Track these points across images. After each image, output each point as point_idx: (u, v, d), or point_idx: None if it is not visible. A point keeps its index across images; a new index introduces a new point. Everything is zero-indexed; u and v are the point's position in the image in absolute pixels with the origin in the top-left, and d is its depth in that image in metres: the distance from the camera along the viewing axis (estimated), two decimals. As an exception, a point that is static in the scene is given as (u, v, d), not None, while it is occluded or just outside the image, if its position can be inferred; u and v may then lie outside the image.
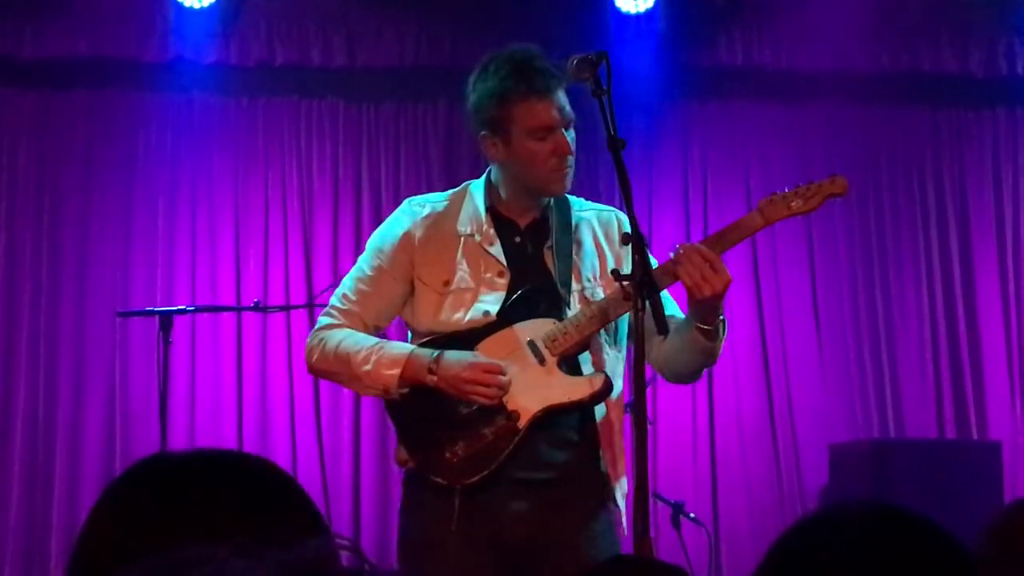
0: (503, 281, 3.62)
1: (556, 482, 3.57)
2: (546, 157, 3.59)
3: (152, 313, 6.26)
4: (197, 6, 7.29)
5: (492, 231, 3.66)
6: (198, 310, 6.87)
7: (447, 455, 3.52)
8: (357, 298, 3.68)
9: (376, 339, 3.64)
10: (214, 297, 7.45)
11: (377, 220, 7.57)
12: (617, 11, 7.50)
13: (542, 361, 3.55)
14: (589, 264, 3.66)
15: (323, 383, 7.46)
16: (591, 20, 7.35)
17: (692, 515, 6.49)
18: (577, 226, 3.71)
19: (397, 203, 8.07)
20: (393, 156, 7.72)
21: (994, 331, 7.91)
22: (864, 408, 7.80)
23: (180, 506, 1.47)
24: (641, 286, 3.28)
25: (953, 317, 7.93)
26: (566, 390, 3.55)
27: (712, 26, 7.67)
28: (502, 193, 3.72)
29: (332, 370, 3.66)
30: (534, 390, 3.53)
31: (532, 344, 3.55)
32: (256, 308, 6.66)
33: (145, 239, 7.52)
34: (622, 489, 3.65)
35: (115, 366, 7.36)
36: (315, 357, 3.65)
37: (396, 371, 3.53)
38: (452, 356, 3.52)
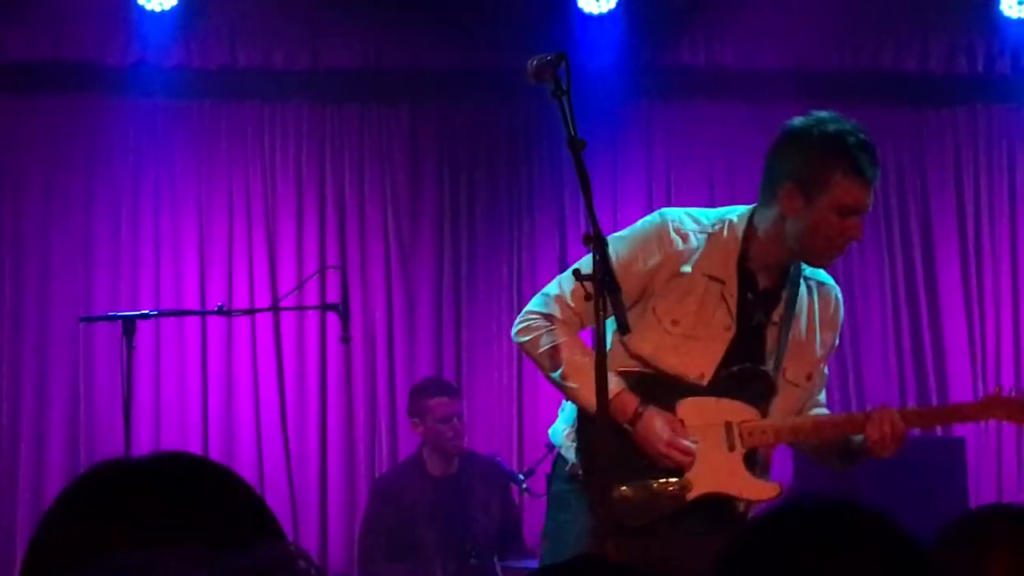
0: (728, 335, 3.66)
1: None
2: (839, 233, 3.65)
3: (115, 318, 6.22)
4: (158, 9, 7.24)
5: (735, 282, 3.68)
6: (162, 314, 6.83)
7: (615, 492, 3.51)
8: (585, 306, 3.56)
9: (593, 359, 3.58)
10: (178, 301, 7.42)
11: (341, 221, 7.60)
12: (580, 12, 7.49)
13: (731, 447, 3.62)
14: (805, 350, 3.73)
15: (288, 390, 7.45)
16: (554, 20, 7.34)
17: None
18: (801, 299, 3.75)
19: (361, 205, 8.13)
20: (357, 158, 7.69)
21: (957, 328, 7.94)
22: (828, 404, 7.80)
23: (133, 511, 1.45)
24: (602, 285, 3.25)
25: (916, 314, 7.97)
26: (743, 486, 3.65)
27: (674, 26, 7.68)
28: (760, 241, 3.72)
29: (539, 361, 3.71)
30: (714, 471, 3.60)
31: (729, 427, 3.61)
32: (220, 312, 6.64)
33: (108, 243, 7.49)
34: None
35: (79, 371, 7.32)
36: (533, 342, 3.70)
37: (598, 399, 3.45)
38: (656, 413, 3.58)
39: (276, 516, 1.49)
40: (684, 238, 3.70)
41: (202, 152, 7.63)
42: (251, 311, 7.30)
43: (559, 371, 3.65)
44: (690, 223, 3.75)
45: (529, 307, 3.80)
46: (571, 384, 3.65)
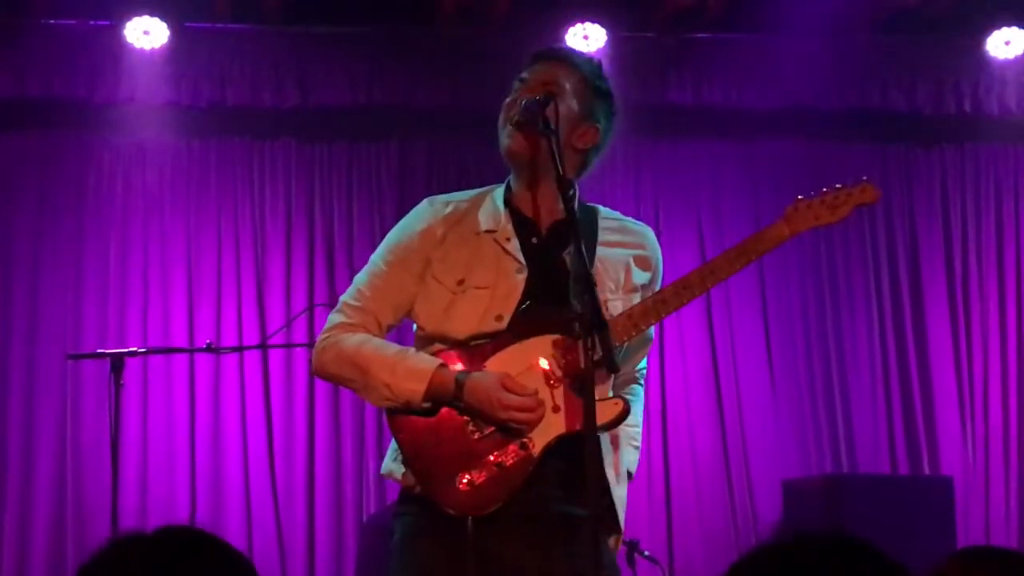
0: (521, 277, 3.43)
1: (569, 518, 3.35)
2: (503, 110, 3.51)
3: (103, 355, 6.19)
4: (148, 47, 7.27)
5: (511, 227, 3.49)
6: (150, 352, 6.80)
7: (458, 484, 3.33)
8: (371, 294, 3.49)
9: (397, 347, 3.45)
10: (166, 339, 7.41)
11: (329, 258, 7.61)
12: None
13: (554, 383, 3.35)
14: (612, 274, 3.50)
15: (276, 428, 7.43)
16: (542, 60, 7.37)
17: (646, 553, 6.47)
18: (602, 232, 3.55)
19: (350, 242, 8.15)
20: (346, 195, 7.71)
21: (944, 367, 7.96)
22: (817, 444, 7.83)
23: None
24: (592, 326, 3.13)
25: (904, 353, 7.98)
26: (582, 416, 3.26)
27: (663, 66, 7.72)
28: (514, 186, 3.56)
29: (345, 376, 3.46)
30: (548, 415, 3.33)
31: (544, 365, 3.36)
32: (209, 349, 6.61)
33: (96, 280, 7.49)
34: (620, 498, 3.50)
35: (66, 409, 7.31)
36: (326, 359, 3.47)
37: (421, 386, 3.34)
38: (478, 378, 3.33)
39: None
40: (446, 205, 3.57)
41: (191, 190, 7.63)
42: (239, 348, 7.29)
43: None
44: (453, 195, 3.64)
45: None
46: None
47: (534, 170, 3.49)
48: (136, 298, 7.51)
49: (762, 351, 7.88)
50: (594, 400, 3.15)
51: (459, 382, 3.33)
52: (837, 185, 3.49)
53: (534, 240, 3.49)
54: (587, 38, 7.49)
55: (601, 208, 3.64)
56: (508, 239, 3.47)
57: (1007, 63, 7.83)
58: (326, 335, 3.49)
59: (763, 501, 7.60)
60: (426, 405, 3.36)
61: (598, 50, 7.53)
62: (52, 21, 7.30)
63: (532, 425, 3.32)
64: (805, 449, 7.79)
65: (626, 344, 3.44)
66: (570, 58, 3.59)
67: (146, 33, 7.24)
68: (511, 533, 3.32)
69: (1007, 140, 8.15)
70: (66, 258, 7.48)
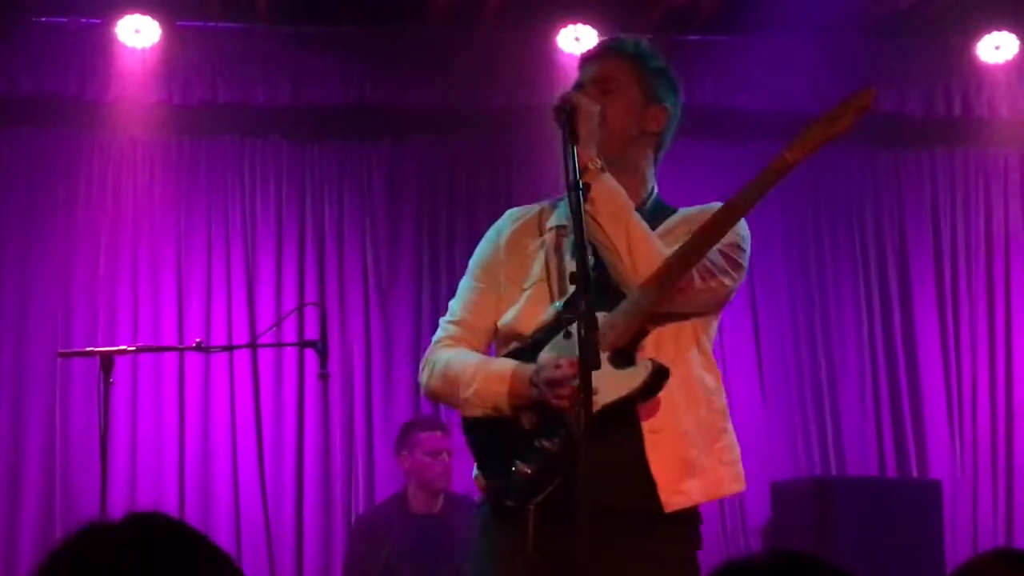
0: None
1: (631, 512, 3.36)
2: None
3: (93, 353, 6.19)
4: (139, 46, 7.27)
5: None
6: (140, 350, 6.79)
7: (515, 475, 3.37)
8: (466, 306, 3.56)
9: (482, 356, 3.51)
10: (156, 337, 7.40)
11: (320, 258, 7.62)
12: (560, 51, 7.54)
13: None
14: None
15: (266, 427, 7.44)
16: (534, 61, 7.38)
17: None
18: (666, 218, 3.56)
19: (341, 241, 8.17)
20: (337, 194, 7.71)
21: (933, 370, 7.97)
22: (806, 446, 7.83)
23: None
24: (586, 322, 3.08)
25: (893, 356, 7.99)
26: (615, 387, 3.27)
27: (654, 66, 7.73)
28: None
29: (443, 392, 3.52)
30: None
31: (568, 334, 3.31)
32: (198, 348, 6.61)
33: (86, 278, 7.48)
34: (690, 494, 3.42)
35: (55, 406, 7.30)
36: (429, 380, 3.52)
37: (504, 388, 3.36)
38: (537, 370, 3.32)
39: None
40: (520, 211, 3.64)
41: (182, 188, 7.63)
42: (229, 348, 7.29)
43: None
44: (530, 206, 3.68)
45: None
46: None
47: (610, 165, 3.43)
48: (126, 296, 7.50)
49: (751, 353, 7.89)
50: (591, 400, 3.13)
51: (532, 380, 3.32)
52: (838, 102, 3.35)
53: None
54: (578, 39, 7.49)
55: (681, 209, 3.65)
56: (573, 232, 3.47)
57: (998, 67, 7.83)
58: (427, 354, 3.56)
59: (752, 503, 7.60)
60: (512, 407, 3.37)
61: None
62: (43, 18, 7.28)
63: (563, 401, 3.26)
64: (794, 451, 7.79)
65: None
66: (618, 48, 3.62)
67: (137, 31, 7.23)
68: (569, 527, 3.16)
69: (997, 144, 8.16)
70: (56, 255, 7.46)
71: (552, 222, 3.55)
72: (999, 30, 7.72)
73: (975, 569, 2.23)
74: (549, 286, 3.47)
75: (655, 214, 3.56)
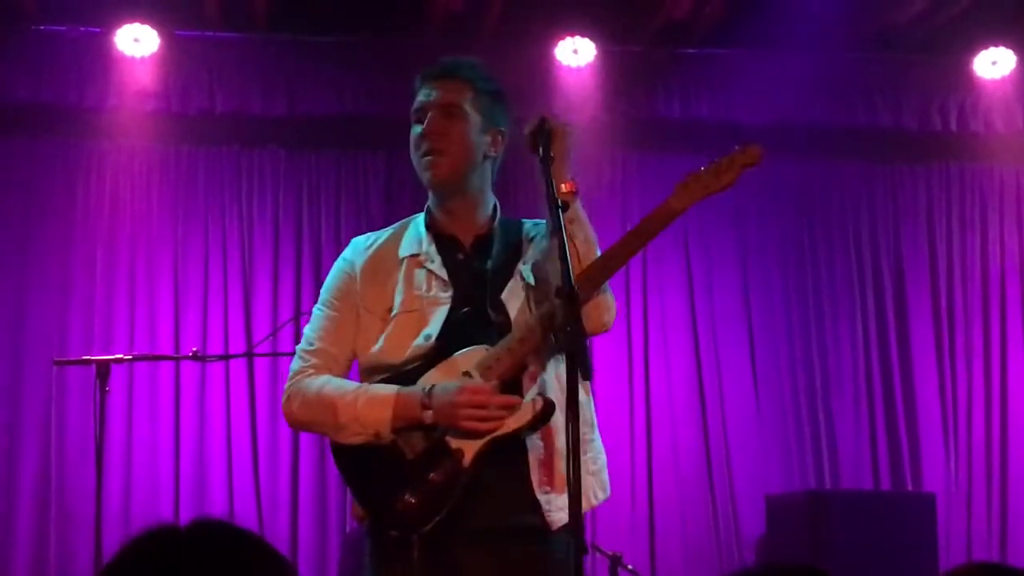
0: (446, 295, 3.46)
1: (516, 531, 3.36)
2: (416, 140, 3.52)
3: (89, 362, 6.19)
4: (138, 55, 7.28)
5: (432, 248, 3.52)
6: (136, 359, 6.79)
7: (398, 505, 3.34)
8: (320, 336, 3.52)
9: (356, 383, 3.46)
10: (152, 346, 7.39)
11: (317, 267, 7.60)
12: (559, 64, 7.56)
13: None
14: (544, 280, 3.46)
15: (261, 436, 7.43)
16: (532, 72, 7.39)
17: (630, 567, 6.47)
18: (523, 243, 3.56)
19: (337, 251, 8.10)
20: (333, 203, 7.72)
21: (928, 384, 7.98)
22: (800, 459, 7.84)
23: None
24: (571, 335, 3.11)
25: (888, 369, 7.99)
26: (506, 420, 3.34)
27: (651, 80, 7.74)
28: (435, 210, 3.59)
29: (315, 420, 3.47)
30: None
31: (468, 375, 3.37)
32: (195, 357, 6.60)
33: (83, 287, 7.48)
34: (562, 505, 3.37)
35: (51, 414, 7.28)
36: (294, 407, 3.47)
37: (387, 412, 3.35)
38: (442, 385, 3.34)
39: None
40: (367, 239, 3.63)
41: (179, 197, 7.63)
42: (225, 357, 7.29)
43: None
44: (375, 232, 3.69)
45: None
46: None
47: (456, 192, 3.54)
48: (123, 305, 7.50)
49: (747, 366, 7.89)
50: (578, 408, 3.14)
51: (427, 392, 3.34)
52: (722, 153, 3.45)
53: (460, 256, 3.54)
54: (576, 52, 7.52)
55: (525, 221, 3.64)
56: (431, 260, 3.51)
57: (994, 83, 7.86)
58: (289, 384, 3.51)
59: (746, 516, 7.61)
60: (393, 432, 3.36)
61: (587, 64, 7.57)
62: (43, 27, 7.30)
63: (488, 428, 3.31)
64: (788, 464, 7.80)
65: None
66: (458, 72, 3.58)
67: (136, 40, 7.25)
68: (463, 549, 3.34)
69: (993, 160, 8.17)
70: (53, 263, 7.46)
71: (404, 251, 3.55)
72: (996, 46, 7.75)
73: None
74: (420, 315, 3.46)
75: (506, 231, 3.59)
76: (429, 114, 3.50)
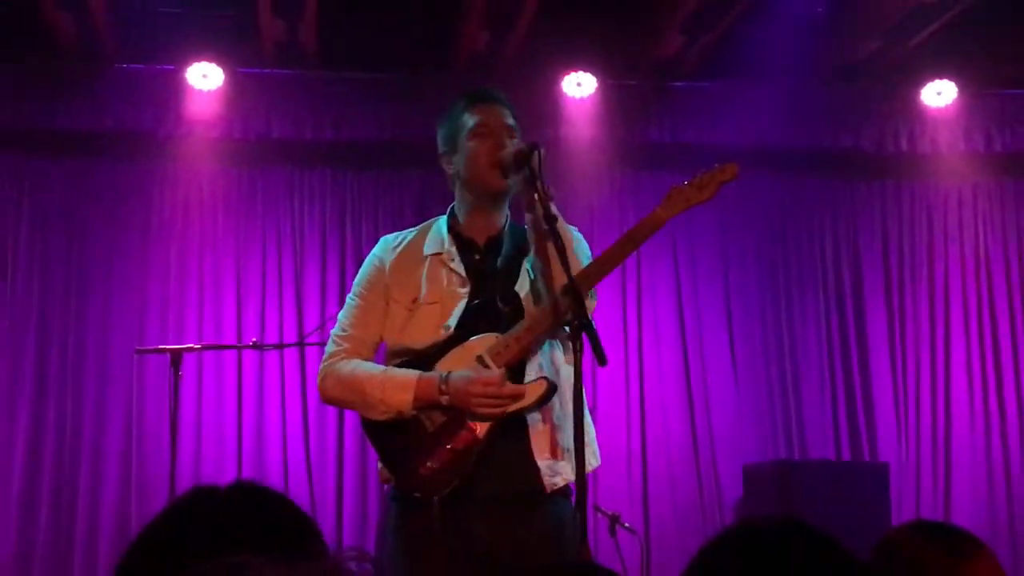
0: (464, 290, 3.48)
1: (521, 495, 3.38)
2: (484, 152, 3.48)
3: (164, 351, 6.24)
4: (206, 88, 7.32)
5: (453, 248, 3.53)
6: (204, 348, 6.84)
7: (421, 470, 3.37)
8: (352, 323, 3.55)
9: (382, 367, 3.48)
10: (218, 337, 7.43)
11: (358, 269, 7.61)
12: (565, 95, 7.58)
13: None
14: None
15: (311, 413, 7.45)
16: (543, 103, 7.40)
17: (627, 525, 6.49)
18: (528, 245, 3.53)
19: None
20: (372, 217, 7.72)
21: (882, 369, 7.98)
22: (773, 433, 7.84)
23: (218, 529, 1.55)
24: (580, 328, 3.17)
25: (848, 357, 8.00)
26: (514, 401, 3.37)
27: (644, 109, 7.74)
28: (460, 214, 3.59)
29: (346, 398, 3.51)
30: None
31: (480, 359, 3.39)
32: (254, 346, 6.65)
33: (159, 286, 7.51)
34: (565, 475, 3.42)
35: (132, 396, 7.33)
36: (328, 386, 3.51)
37: (409, 395, 3.38)
38: (457, 374, 3.37)
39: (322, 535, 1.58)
40: (395, 238, 3.64)
41: (240, 210, 7.65)
42: (280, 346, 7.32)
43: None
44: (402, 232, 3.70)
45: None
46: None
47: (502, 199, 3.57)
48: (193, 301, 7.54)
49: (727, 352, 7.91)
50: (582, 388, 3.18)
51: (443, 381, 3.39)
52: (703, 169, 3.48)
53: (477, 256, 3.56)
54: (580, 85, 7.53)
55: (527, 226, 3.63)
56: (452, 259, 3.53)
57: (938, 111, 7.87)
58: (324, 366, 3.54)
59: (726, 482, 7.62)
60: (415, 411, 3.41)
61: (589, 95, 7.58)
62: (124, 65, 7.33)
63: (497, 412, 3.35)
64: (763, 438, 7.80)
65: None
66: (500, 99, 3.59)
67: (204, 76, 7.28)
68: (479, 511, 3.37)
69: (937, 177, 8.17)
70: (134, 267, 7.50)
71: (428, 249, 3.56)
72: (940, 79, 7.75)
73: (895, 540, 2.25)
74: (441, 308, 3.47)
75: (513, 234, 3.60)
76: (496, 132, 3.49)
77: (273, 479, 7.34)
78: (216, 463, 7.33)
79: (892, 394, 7.96)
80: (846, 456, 7.83)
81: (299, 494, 7.31)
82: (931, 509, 7.79)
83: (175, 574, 1.09)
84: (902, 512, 7.55)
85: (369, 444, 7.51)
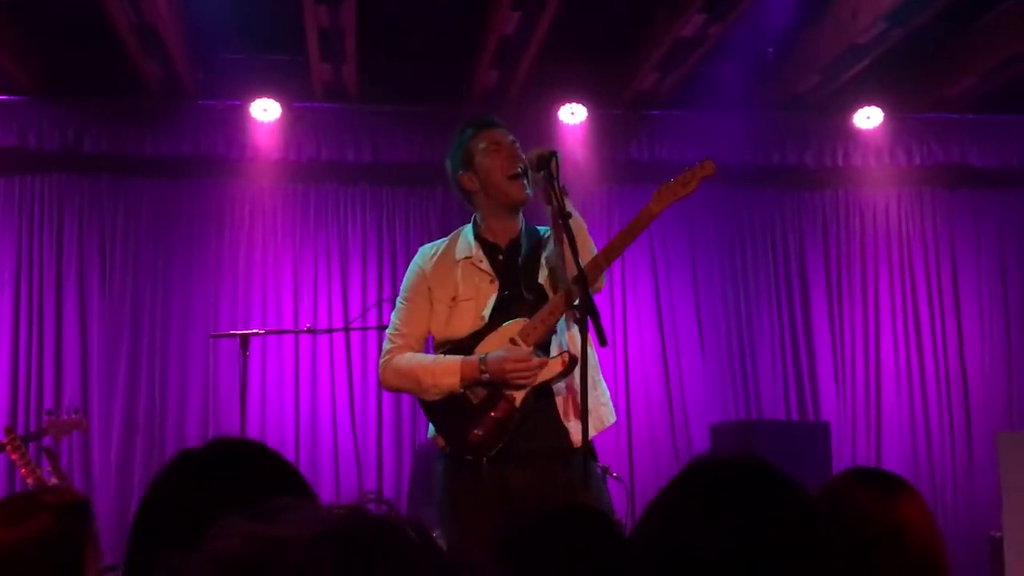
0: (493, 286, 3.47)
1: (553, 451, 3.39)
2: (502, 163, 3.47)
3: (235, 335, 6.25)
4: (266, 120, 7.32)
5: (480, 252, 3.53)
6: (267, 332, 6.87)
7: (470, 437, 3.38)
8: (404, 321, 3.54)
9: (432, 356, 3.47)
10: (279, 323, 7.44)
11: (393, 270, 7.63)
12: (560, 123, 7.57)
13: None
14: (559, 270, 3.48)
15: (356, 385, 7.46)
16: (543, 129, 7.39)
17: (615, 474, 6.50)
18: (543, 242, 3.55)
19: (407, 260, 8.16)
20: (404, 225, 7.72)
21: (823, 343, 7.97)
22: (734, 397, 7.84)
23: (219, 480, 1.51)
24: (588, 313, 3.16)
25: (795, 333, 8.00)
26: (544, 371, 3.39)
27: (626, 133, 7.73)
28: (483, 222, 3.58)
29: (404, 386, 3.51)
30: None
31: (513, 340, 3.39)
32: (309, 331, 6.65)
33: (230, 282, 7.51)
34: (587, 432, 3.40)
35: (208, 372, 7.34)
36: (388, 376, 3.51)
37: (456, 378, 3.39)
38: (492, 354, 3.37)
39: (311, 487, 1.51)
40: (432, 248, 3.62)
41: (296, 220, 7.65)
42: (330, 331, 7.32)
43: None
44: (436, 242, 3.68)
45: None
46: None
47: (511, 209, 3.55)
48: (257, 295, 7.53)
49: (695, 330, 7.90)
50: (586, 361, 3.18)
51: (482, 362, 3.40)
52: (687, 167, 3.47)
53: (500, 257, 3.54)
54: (573, 114, 7.52)
55: (539, 227, 3.64)
56: (481, 261, 3.52)
57: (868, 131, 7.85)
58: (382, 361, 3.54)
59: (697, 439, 7.62)
60: (462, 389, 3.42)
61: (580, 122, 7.57)
62: (200, 101, 7.33)
63: (528, 381, 3.35)
64: (726, 400, 7.80)
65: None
66: (502, 124, 3.61)
67: (265, 110, 7.27)
68: (517, 465, 3.38)
69: (868, 186, 8.15)
70: (209, 268, 7.50)
71: (459, 254, 3.55)
72: (869, 106, 7.73)
73: (837, 485, 2.22)
74: (475, 303, 3.47)
75: (529, 235, 3.59)
76: (505, 146, 3.48)
77: (324, 439, 7.37)
78: (278, 430, 7.34)
79: (832, 364, 7.95)
80: (795, 416, 7.82)
81: (346, 452, 7.33)
82: (865, 458, 7.79)
83: (193, 529, 0.91)
84: (842, 462, 7.53)
85: (404, 410, 7.56)
